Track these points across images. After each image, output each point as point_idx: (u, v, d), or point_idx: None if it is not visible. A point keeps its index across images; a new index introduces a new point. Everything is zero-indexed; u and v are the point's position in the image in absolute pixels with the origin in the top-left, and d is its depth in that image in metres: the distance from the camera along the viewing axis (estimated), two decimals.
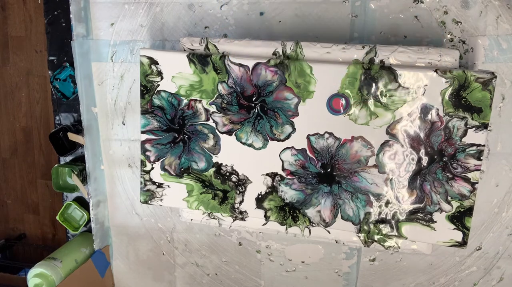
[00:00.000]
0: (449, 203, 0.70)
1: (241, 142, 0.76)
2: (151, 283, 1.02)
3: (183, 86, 0.76)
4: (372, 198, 0.72)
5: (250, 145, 0.75)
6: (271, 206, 0.77)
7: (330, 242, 0.81)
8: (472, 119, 0.66)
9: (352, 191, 0.73)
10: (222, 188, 0.78)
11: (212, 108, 0.76)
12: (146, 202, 0.82)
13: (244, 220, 0.80)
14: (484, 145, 0.67)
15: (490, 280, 0.85)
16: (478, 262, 0.85)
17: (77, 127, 0.97)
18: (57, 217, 1.00)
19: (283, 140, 0.74)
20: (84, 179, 0.95)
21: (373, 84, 0.69)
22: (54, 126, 1.01)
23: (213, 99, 0.75)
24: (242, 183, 0.77)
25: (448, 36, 0.77)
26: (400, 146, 0.70)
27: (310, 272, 0.92)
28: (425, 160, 0.69)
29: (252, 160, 0.76)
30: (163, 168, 0.80)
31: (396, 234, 0.73)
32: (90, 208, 0.95)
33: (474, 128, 0.66)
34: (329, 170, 0.73)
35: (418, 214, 0.71)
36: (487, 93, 0.65)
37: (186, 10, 0.85)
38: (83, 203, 1.01)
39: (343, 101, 0.70)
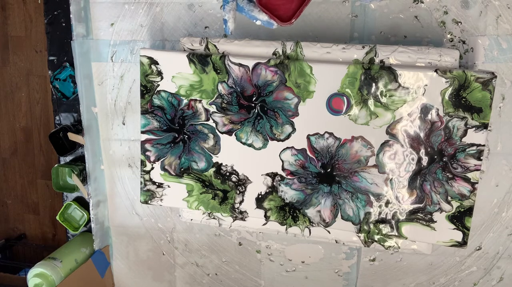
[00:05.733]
0: (449, 203, 0.70)
1: (241, 142, 0.76)
2: (151, 283, 1.02)
3: (183, 86, 0.76)
4: (372, 198, 0.72)
5: (250, 145, 0.75)
6: (271, 206, 0.77)
7: (330, 242, 0.81)
8: (472, 119, 0.66)
9: (352, 191, 0.73)
10: (222, 188, 0.78)
11: (212, 108, 0.76)
12: (146, 202, 0.82)
13: (244, 220, 0.80)
14: (484, 145, 0.67)
15: (490, 280, 0.85)
16: (478, 262, 0.85)
17: (77, 127, 0.97)
18: (57, 217, 1.00)
19: (283, 140, 0.74)
20: (84, 179, 0.95)
21: (373, 84, 0.69)
22: (54, 126, 1.00)
23: (213, 99, 0.75)
24: (242, 183, 0.77)
25: (448, 36, 0.77)
26: (400, 146, 0.70)
27: (310, 272, 0.92)
28: (425, 160, 0.69)
29: (252, 160, 0.76)
30: (163, 168, 0.80)
31: (396, 234, 0.73)
32: (90, 208, 0.95)
33: (474, 128, 0.66)
34: (329, 170, 0.73)
35: (418, 214, 0.71)
36: (487, 93, 0.65)
37: (186, 10, 0.85)
38: (83, 203, 1.01)
39: (344, 101, 0.70)
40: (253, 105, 0.74)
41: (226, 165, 0.77)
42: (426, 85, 0.67)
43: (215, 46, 0.75)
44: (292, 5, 0.65)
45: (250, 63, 0.72)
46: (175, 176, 0.80)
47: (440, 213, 0.70)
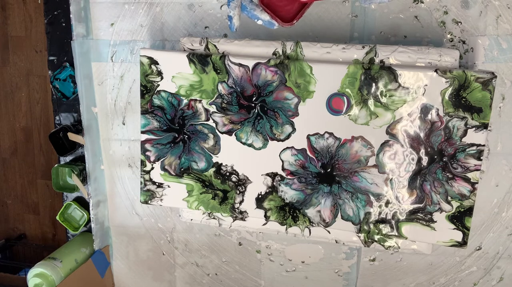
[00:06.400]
0: (449, 203, 0.70)
1: (241, 142, 0.76)
2: (151, 283, 1.02)
3: (183, 86, 0.76)
4: (372, 198, 0.72)
5: (250, 145, 0.75)
6: (271, 206, 0.77)
7: (330, 242, 0.81)
8: (472, 119, 0.66)
9: (352, 191, 0.73)
10: (222, 188, 0.78)
11: (212, 108, 0.76)
12: (146, 202, 0.82)
13: (244, 220, 0.80)
14: (484, 145, 0.67)
15: (490, 280, 0.85)
16: (478, 262, 0.85)
17: (77, 127, 0.97)
18: (57, 217, 1.00)
19: (283, 140, 0.74)
20: (84, 179, 0.95)
21: (373, 84, 0.69)
22: (54, 126, 1.00)
23: (213, 99, 0.75)
24: (242, 183, 0.77)
25: (448, 36, 0.77)
26: (400, 146, 0.70)
27: (310, 272, 0.92)
28: (425, 160, 0.69)
29: (252, 160, 0.76)
30: (163, 168, 0.80)
31: (396, 234, 0.73)
32: (90, 208, 0.95)
33: (474, 128, 0.66)
34: (329, 170, 0.73)
35: (418, 214, 0.71)
36: (487, 93, 0.65)
37: (186, 10, 0.85)
38: (83, 203, 1.01)
39: (344, 101, 0.70)
40: (253, 105, 0.74)
41: (226, 165, 0.77)
42: (426, 85, 0.67)
43: (215, 46, 0.75)
44: (294, 6, 0.65)
45: (250, 63, 0.72)
46: (175, 176, 0.80)
47: (440, 213, 0.70)
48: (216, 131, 0.76)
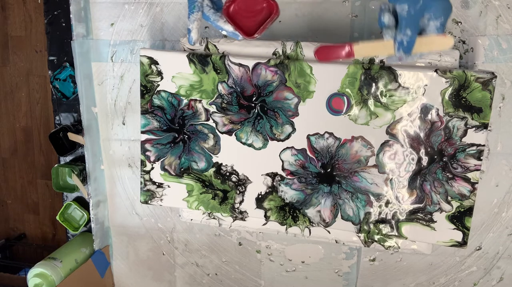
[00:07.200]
0: (449, 203, 0.70)
1: (241, 142, 0.76)
2: (151, 283, 1.02)
3: (183, 86, 0.76)
4: (372, 198, 0.72)
5: (250, 145, 0.75)
6: (271, 206, 0.77)
7: (330, 242, 0.81)
8: (472, 119, 0.66)
9: (352, 191, 0.73)
10: (222, 188, 0.78)
11: (212, 108, 0.76)
12: (146, 202, 0.82)
13: (244, 220, 0.80)
14: (484, 145, 0.67)
15: (490, 280, 0.85)
16: (478, 262, 0.85)
17: (77, 127, 0.97)
18: (57, 217, 1.00)
19: (283, 140, 0.74)
20: (84, 179, 0.95)
21: (373, 84, 0.69)
22: (54, 126, 1.00)
23: (213, 99, 0.75)
24: (242, 183, 0.77)
25: None
26: (400, 146, 0.70)
27: (310, 272, 0.92)
28: (425, 160, 0.69)
29: (252, 160, 0.76)
30: (163, 168, 0.80)
31: (396, 234, 0.73)
32: (90, 208, 0.95)
33: (474, 128, 0.66)
34: (329, 170, 0.73)
35: (418, 214, 0.71)
36: (487, 93, 0.65)
37: (186, 10, 0.85)
38: (83, 203, 1.01)
39: (344, 101, 0.70)
40: (253, 105, 0.74)
41: (226, 165, 0.77)
42: (426, 85, 0.67)
43: (215, 46, 0.75)
44: (259, 18, 0.62)
45: (250, 63, 0.72)
46: (175, 176, 0.80)
47: (440, 213, 0.70)
48: (216, 131, 0.76)
